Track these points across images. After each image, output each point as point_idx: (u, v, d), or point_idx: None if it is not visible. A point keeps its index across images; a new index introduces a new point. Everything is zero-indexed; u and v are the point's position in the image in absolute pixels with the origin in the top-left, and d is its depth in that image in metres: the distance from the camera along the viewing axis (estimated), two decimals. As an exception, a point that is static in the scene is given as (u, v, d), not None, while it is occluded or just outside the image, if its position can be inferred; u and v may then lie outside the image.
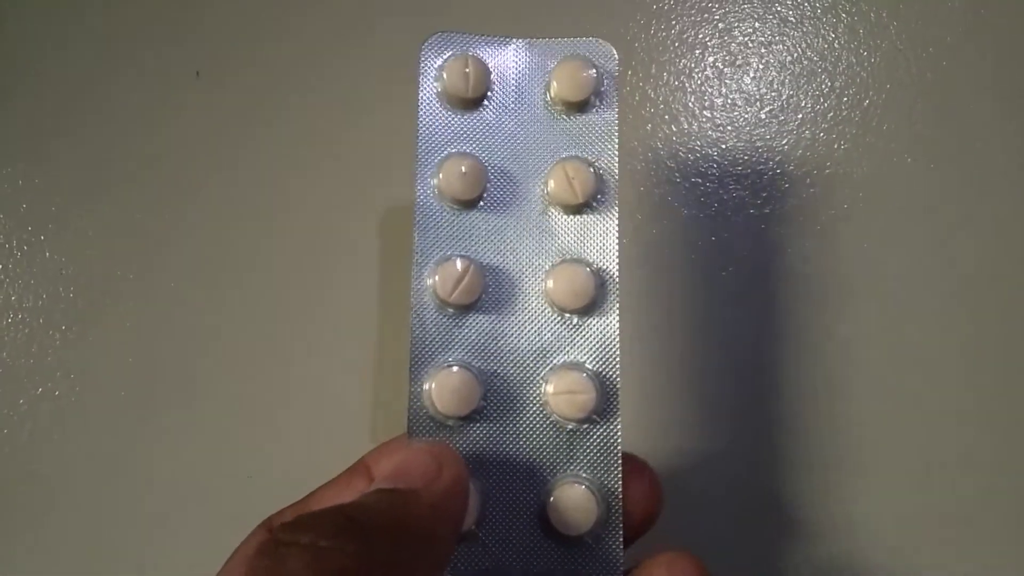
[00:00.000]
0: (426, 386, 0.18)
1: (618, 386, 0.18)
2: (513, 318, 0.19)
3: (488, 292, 0.19)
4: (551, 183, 0.19)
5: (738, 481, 0.31)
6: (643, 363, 0.32)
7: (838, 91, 0.33)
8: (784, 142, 0.33)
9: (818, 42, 0.33)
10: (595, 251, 0.19)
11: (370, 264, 0.33)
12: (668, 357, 0.32)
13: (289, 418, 0.33)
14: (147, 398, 0.34)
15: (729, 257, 0.32)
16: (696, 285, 0.32)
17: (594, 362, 0.19)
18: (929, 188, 0.32)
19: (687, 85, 0.33)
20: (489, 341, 0.19)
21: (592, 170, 0.19)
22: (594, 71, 0.20)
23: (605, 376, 0.18)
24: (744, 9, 0.33)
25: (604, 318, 0.19)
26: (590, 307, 0.19)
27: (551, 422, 0.18)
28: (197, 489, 0.33)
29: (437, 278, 0.18)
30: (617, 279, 0.19)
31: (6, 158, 0.36)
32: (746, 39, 0.33)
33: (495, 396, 0.18)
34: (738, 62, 0.33)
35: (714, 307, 0.32)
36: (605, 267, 0.19)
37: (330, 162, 0.34)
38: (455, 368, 0.18)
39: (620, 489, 0.18)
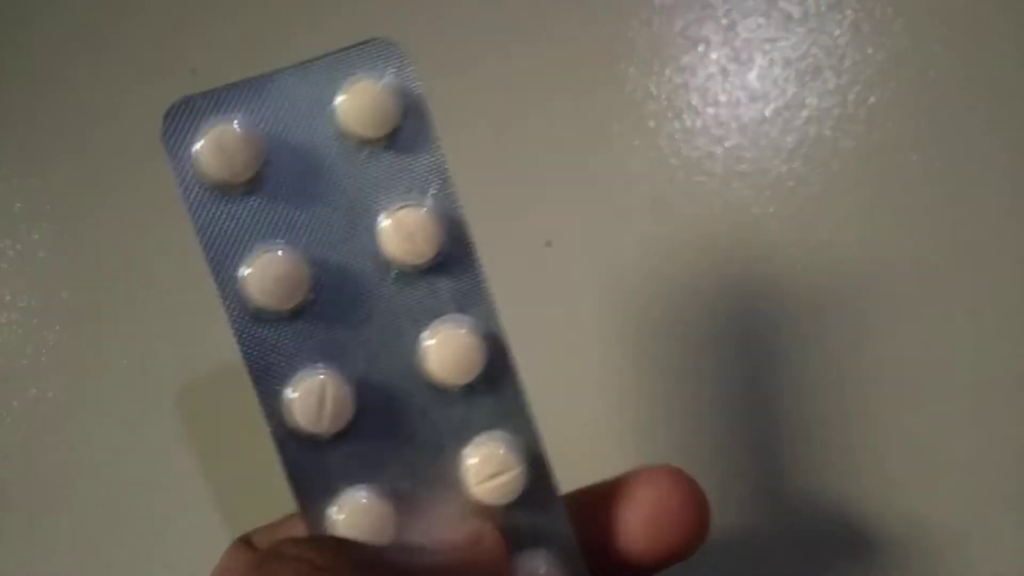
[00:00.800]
0: (335, 518, 0.15)
1: (544, 452, 0.16)
2: (399, 423, 0.16)
3: (360, 401, 0.15)
4: (387, 247, 0.15)
5: (736, 489, 0.31)
6: (641, 363, 0.32)
7: (843, 88, 0.32)
8: (789, 140, 0.32)
9: (823, 39, 0.33)
10: (471, 310, 0.16)
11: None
12: (668, 357, 0.32)
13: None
14: (143, 400, 0.33)
15: (733, 256, 0.32)
16: (698, 285, 0.32)
17: (509, 431, 0.16)
18: (935, 186, 0.31)
19: (690, 82, 0.33)
20: (381, 457, 0.15)
21: (433, 215, 0.15)
22: (392, 90, 0.15)
23: (527, 445, 0.16)
24: (748, 5, 0.33)
25: (504, 381, 0.16)
26: (484, 374, 0.16)
27: (483, 510, 0.16)
28: (194, 492, 0.33)
29: (295, 408, 0.15)
30: (503, 334, 0.16)
31: (0, 157, 0.35)
32: (750, 36, 0.33)
33: (409, 511, 0.15)
34: (742, 59, 0.33)
35: (717, 307, 0.32)
36: (486, 325, 0.16)
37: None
38: (364, 500, 0.15)
39: (583, 560, 0.16)
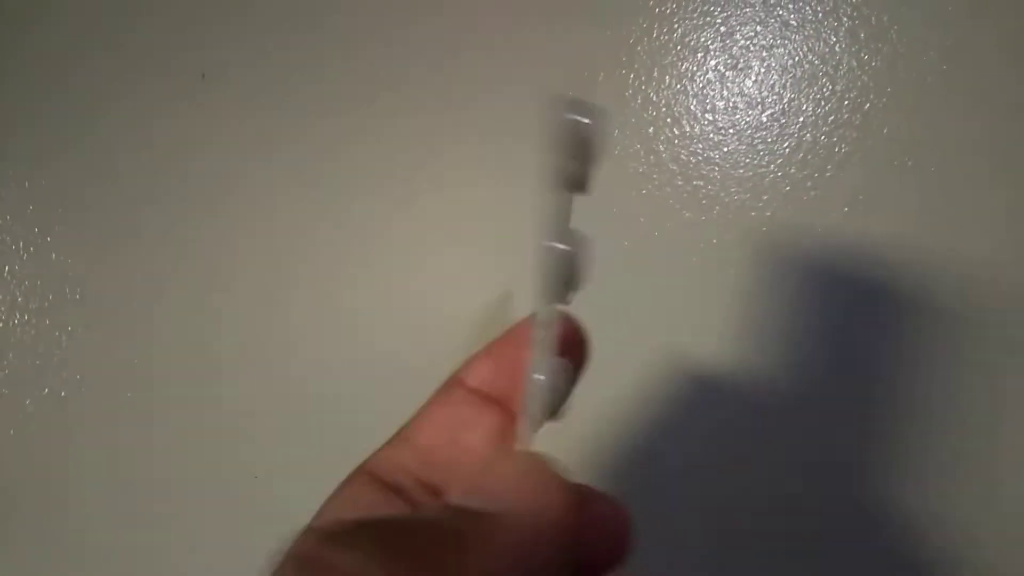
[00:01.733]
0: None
1: None
2: None
3: None
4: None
5: (735, 492, 0.32)
6: (638, 365, 0.32)
7: (839, 94, 0.33)
8: (785, 145, 0.33)
9: (819, 46, 0.33)
10: None
11: (372, 263, 0.34)
12: (668, 358, 0.32)
13: (295, 418, 0.33)
14: (153, 399, 0.34)
15: (730, 259, 0.32)
16: (697, 287, 0.32)
17: None
18: (929, 191, 0.32)
19: (689, 88, 0.34)
20: None
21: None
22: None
23: None
24: (746, 13, 0.34)
25: None
26: None
27: None
28: (204, 489, 0.33)
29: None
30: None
31: (13, 161, 0.36)
32: (748, 43, 0.33)
33: None
34: (740, 65, 0.33)
35: (715, 310, 0.32)
36: None
37: (335, 167, 0.35)
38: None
39: None
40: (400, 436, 0.18)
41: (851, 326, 0.32)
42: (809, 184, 0.32)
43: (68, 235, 0.35)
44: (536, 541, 0.12)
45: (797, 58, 0.33)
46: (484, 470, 0.14)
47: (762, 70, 0.33)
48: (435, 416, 0.18)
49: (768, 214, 0.32)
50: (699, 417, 0.32)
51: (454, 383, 0.18)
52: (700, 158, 0.33)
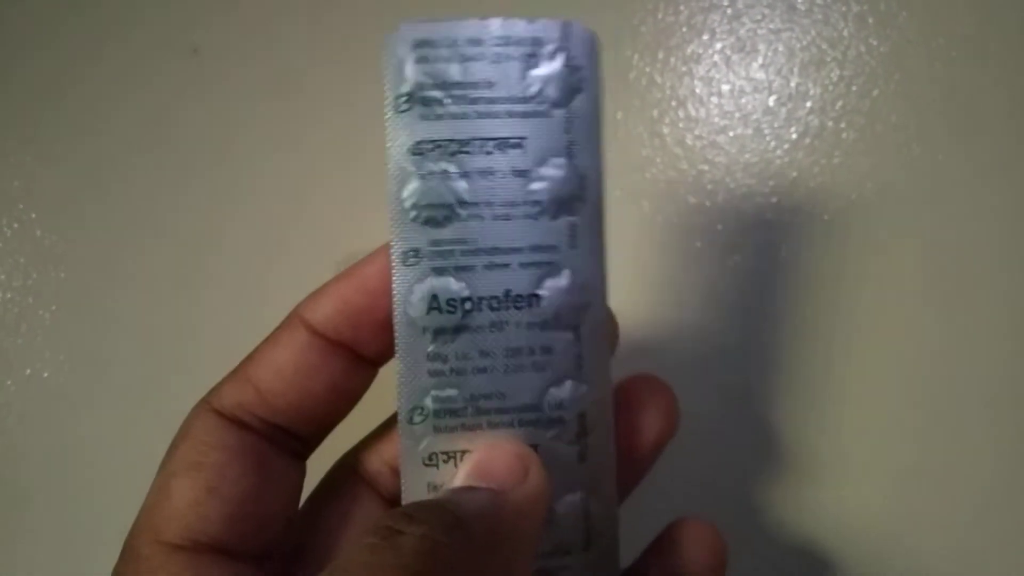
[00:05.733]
0: None
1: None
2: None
3: None
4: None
5: (736, 486, 0.31)
6: (640, 352, 0.32)
7: (847, 80, 0.32)
8: (792, 130, 0.32)
9: (827, 30, 0.33)
10: None
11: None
12: (672, 346, 0.32)
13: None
14: (139, 381, 0.33)
15: (735, 246, 0.32)
16: (702, 274, 0.32)
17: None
18: (937, 179, 0.31)
19: (695, 71, 0.33)
20: None
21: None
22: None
23: None
24: (753, -5, 0.33)
25: None
26: None
27: None
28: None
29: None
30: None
31: (-2, 134, 0.35)
32: (755, 26, 0.33)
33: None
34: (746, 49, 0.33)
35: (719, 297, 0.32)
36: None
37: (332, 147, 0.34)
38: None
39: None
40: (242, 374, 0.18)
41: (857, 314, 0.31)
42: (816, 171, 0.32)
43: (53, 212, 0.34)
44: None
45: (805, 42, 0.33)
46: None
47: (769, 54, 0.33)
48: (279, 359, 0.18)
49: (774, 200, 0.32)
50: (697, 401, 0.31)
51: (297, 322, 0.18)
52: (705, 142, 0.32)
